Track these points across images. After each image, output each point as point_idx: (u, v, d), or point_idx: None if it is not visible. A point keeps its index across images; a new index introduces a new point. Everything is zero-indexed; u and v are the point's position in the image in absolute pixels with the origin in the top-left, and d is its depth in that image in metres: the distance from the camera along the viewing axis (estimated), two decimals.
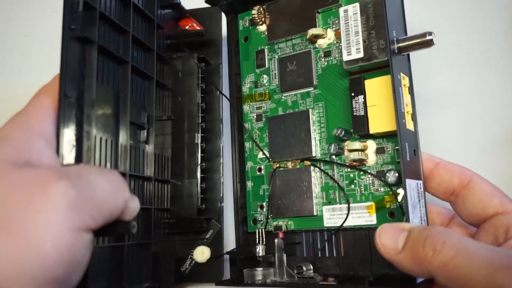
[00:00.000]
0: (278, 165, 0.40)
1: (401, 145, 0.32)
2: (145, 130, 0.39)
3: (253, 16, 0.42)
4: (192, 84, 0.43)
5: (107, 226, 0.26)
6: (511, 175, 0.37)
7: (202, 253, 0.40)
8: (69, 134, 0.29)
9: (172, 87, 0.44)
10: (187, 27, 0.45)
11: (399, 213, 0.35)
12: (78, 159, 0.30)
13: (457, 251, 0.25)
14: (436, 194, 0.35)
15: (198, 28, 0.44)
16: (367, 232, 0.37)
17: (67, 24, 0.29)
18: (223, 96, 0.44)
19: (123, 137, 0.36)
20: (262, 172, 0.42)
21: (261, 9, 0.42)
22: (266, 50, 0.43)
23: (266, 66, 0.43)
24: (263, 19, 0.43)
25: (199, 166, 0.42)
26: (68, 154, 0.29)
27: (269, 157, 0.41)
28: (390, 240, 0.29)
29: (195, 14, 0.45)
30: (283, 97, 0.41)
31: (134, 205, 0.28)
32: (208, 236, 0.41)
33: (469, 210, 0.33)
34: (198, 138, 0.42)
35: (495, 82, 0.42)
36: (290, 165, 0.40)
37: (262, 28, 0.43)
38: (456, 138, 0.42)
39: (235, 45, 0.46)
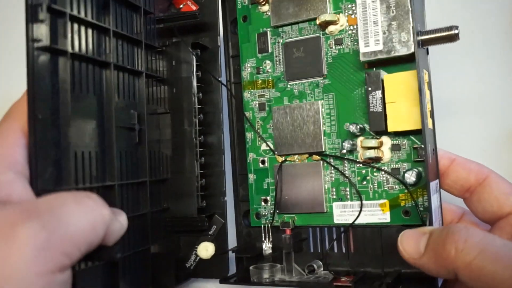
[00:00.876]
0: (284, 159, 0.39)
1: (426, 147, 0.31)
2: (136, 132, 0.36)
3: None
4: (187, 73, 0.40)
5: (89, 254, 0.25)
6: (511, 175, 0.37)
7: (206, 249, 0.39)
8: (44, 158, 0.27)
9: (167, 77, 0.41)
10: (181, 6, 0.41)
11: (414, 211, 0.35)
12: (57, 183, 0.28)
13: (481, 250, 0.25)
14: (451, 191, 0.35)
15: (193, 7, 0.41)
16: (379, 229, 0.36)
17: (30, 36, 0.26)
18: (223, 85, 0.41)
19: (110, 146, 0.33)
20: (266, 164, 0.40)
21: None
22: (269, 33, 0.40)
23: (269, 51, 0.40)
24: None
25: (198, 162, 0.39)
26: (45, 179, 0.27)
27: (274, 149, 0.39)
28: (412, 244, 0.29)
29: None
30: (288, 86, 0.39)
31: (118, 227, 0.27)
32: (211, 232, 0.40)
33: (484, 207, 0.33)
34: (195, 132, 0.40)
35: (495, 82, 0.42)
36: (296, 158, 0.39)
37: (265, 8, 0.40)
38: (456, 138, 0.42)
39: (231, 24, 0.43)
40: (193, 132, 0.40)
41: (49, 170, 0.27)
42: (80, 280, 0.28)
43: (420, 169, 0.34)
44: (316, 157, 0.38)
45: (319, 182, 0.38)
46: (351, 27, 0.37)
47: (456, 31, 0.32)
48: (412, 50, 0.33)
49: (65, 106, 0.29)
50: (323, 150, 0.37)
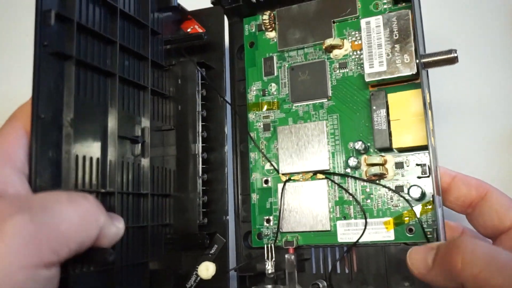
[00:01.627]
0: (288, 178, 0.40)
1: (432, 163, 0.32)
2: (139, 144, 0.37)
3: (264, 21, 0.42)
4: (192, 91, 0.42)
5: (81, 255, 0.25)
6: (511, 175, 0.38)
7: (206, 269, 0.39)
8: (45, 156, 0.28)
9: (173, 95, 0.42)
10: (189, 30, 0.44)
11: (418, 229, 0.35)
12: (56, 183, 0.29)
13: (487, 262, 0.26)
14: (453, 207, 0.36)
15: (200, 30, 0.43)
16: (383, 247, 0.37)
17: (38, 40, 0.28)
18: (227, 103, 0.42)
19: (112, 154, 0.34)
20: (269, 184, 0.41)
21: (272, 14, 0.42)
22: (275, 57, 0.42)
23: (275, 74, 0.42)
24: (273, 25, 0.42)
25: (200, 178, 0.40)
26: (44, 178, 0.27)
27: (278, 169, 0.40)
28: (420, 259, 0.30)
29: (198, 15, 0.44)
30: (293, 107, 0.41)
31: (113, 231, 0.28)
32: (212, 251, 0.40)
33: (485, 222, 0.34)
34: (198, 149, 0.41)
35: (495, 82, 0.43)
36: (301, 178, 0.40)
37: (271, 34, 0.43)
38: (456, 138, 0.43)
39: (238, 50, 0.45)
40: (196, 149, 0.41)
41: (49, 170, 0.28)
42: (74, 284, 0.28)
43: (424, 186, 0.35)
44: (320, 175, 0.39)
45: (323, 201, 0.38)
46: (355, 52, 0.39)
47: (455, 55, 0.35)
48: (415, 71, 0.35)
49: (69, 108, 0.30)
50: (328, 169, 0.39)
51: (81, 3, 0.32)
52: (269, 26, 0.42)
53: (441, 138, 0.43)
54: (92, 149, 0.32)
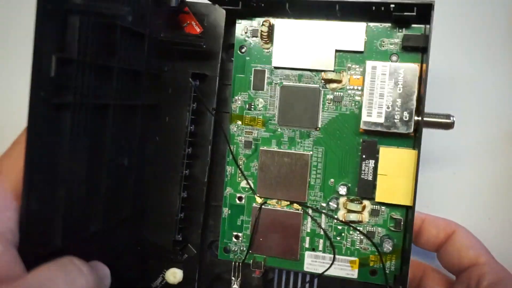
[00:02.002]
0: (263, 201, 0.40)
1: (409, 222, 0.34)
2: (125, 167, 0.35)
3: (262, 32, 0.39)
4: (182, 104, 0.40)
5: None
6: (511, 175, 0.41)
7: (174, 276, 0.40)
8: (35, 221, 0.26)
9: (161, 103, 0.40)
10: (184, 24, 0.39)
11: (380, 272, 0.38)
12: (47, 244, 0.27)
13: None
14: (424, 247, 0.39)
15: (197, 29, 0.39)
16: (345, 283, 0.39)
17: (35, 91, 0.24)
18: (214, 117, 0.41)
19: (98, 185, 0.32)
20: (243, 201, 0.41)
21: (270, 24, 0.39)
22: (267, 71, 0.40)
23: (264, 90, 0.40)
24: (270, 36, 0.39)
25: (180, 195, 0.39)
26: (34, 244, 0.26)
27: (256, 190, 0.40)
28: None
29: (195, 8, 0.40)
30: (279, 129, 0.40)
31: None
32: (182, 259, 0.40)
33: (448, 260, 0.37)
34: (182, 165, 0.40)
35: (495, 82, 0.45)
36: (276, 203, 0.40)
37: (267, 46, 0.40)
38: (456, 138, 0.44)
39: (227, 50, 0.42)
40: (179, 165, 0.39)
41: (39, 231, 0.26)
42: None
43: (395, 239, 0.37)
44: (296, 205, 0.40)
45: (296, 230, 0.39)
46: (352, 87, 0.38)
47: (452, 120, 0.35)
48: (411, 130, 0.35)
49: (62, 163, 0.27)
50: (305, 201, 0.39)
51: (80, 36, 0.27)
52: (266, 37, 0.39)
53: (440, 138, 0.44)
54: (80, 185, 0.30)
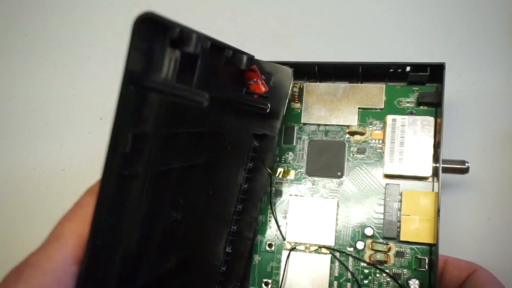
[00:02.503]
0: (293, 247, 0.43)
1: (435, 262, 0.36)
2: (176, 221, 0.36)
3: (293, 93, 0.44)
4: (240, 162, 0.41)
5: None
6: (511, 175, 0.41)
7: None
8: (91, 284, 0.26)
9: (216, 162, 0.40)
10: (251, 82, 0.40)
11: None
12: None
13: None
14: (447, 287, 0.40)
15: (262, 88, 0.41)
16: None
17: (109, 166, 0.25)
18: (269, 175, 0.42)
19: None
20: (273, 248, 0.43)
21: (301, 86, 0.45)
22: (296, 128, 0.45)
23: (293, 144, 0.45)
24: (300, 97, 0.45)
25: (224, 250, 0.41)
26: None
27: (285, 236, 0.43)
28: None
29: (262, 67, 0.41)
30: (308, 180, 0.44)
31: None
32: None
33: None
34: (231, 221, 0.41)
35: (495, 82, 0.46)
36: (305, 248, 0.42)
37: (296, 105, 0.45)
38: (456, 138, 0.45)
39: None
40: (229, 221, 0.41)
41: None
42: None
43: (421, 279, 0.39)
44: (324, 250, 0.42)
45: (325, 274, 0.41)
46: (374, 140, 0.43)
47: (467, 165, 0.39)
48: (430, 173, 0.39)
49: (123, 230, 0.28)
50: (333, 245, 0.42)
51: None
52: (296, 97, 0.45)
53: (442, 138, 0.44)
54: (132, 246, 0.30)
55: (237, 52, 0.36)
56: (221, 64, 0.35)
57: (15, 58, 0.57)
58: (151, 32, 0.25)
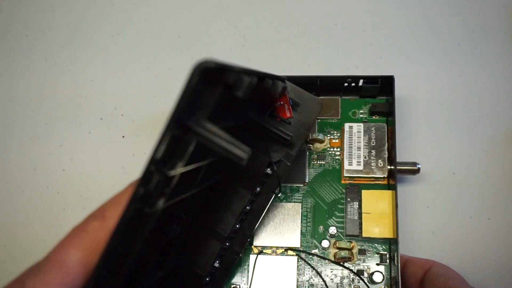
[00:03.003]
0: (260, 250, 0.44)
1: (398, 256, 0.40)
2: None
3: None
4: (249, 185, 0.40)
5: None
6: (511, 175, 0.42)
7: None
8: None
9: (227, 177, 0.40)
10: (277, 104, 0.39)
11: None
12: None
13: None
14: (408, 285, 0.42)
15: (287, 113, 0.39)
16: None
17: (134, 203, 0.24)
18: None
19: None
20: (240, 254, 0.45)
21: None
22: None
23: None
24: None
25: (212, 264, 0.41)
26: None
27: (252, 241, 0.44)
28: None
29: (292, 92, 0.40)
30: None
31: None
32: None
33: None
34: (226, 239, 0.41)
35: (495, 82, 0.47)
36: (271, 252, 0.44)
37: None
38: (456, 138, 0.47)
39: None
40: (223, 238, 0.40)
41: None
42: None
43: (384, 273, 0.42)
44: (291, 252, 0.44)
45: (292, 275, 0.43)
46: (332, 148, 0.46)
47: (418, 167, 0.44)
48: (386, 174, 0.43)
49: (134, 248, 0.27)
50: (299, 246, 0.44)
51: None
52: None
53: (441, 138, 0.47)
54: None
55: (274, 79, 0.34)
56: (258, 92, 0.34)
57: (15, 58, 0.57)
58: (207, 78, 0.23)
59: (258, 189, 0.40)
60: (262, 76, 0.32)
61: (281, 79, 0.35)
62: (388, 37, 0.53)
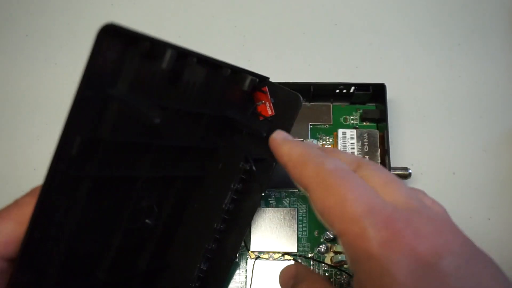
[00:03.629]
0: (257, 256, 0.45)
1: None
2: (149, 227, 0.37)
3: None
4: (229, 182, 0.39)
5: None
6: (511, 175, 0.43)
7: None
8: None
9: (208, 175, 0.40)
10: (259, 103, 0.38)
11: None
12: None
13: None
14: None
15: (269, 111, 0.38)
16: None
17: (54, 167, 0.25)
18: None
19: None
20: (237, 259, 0.46)
21: None
22: None
23: None
24: None
25: (198, 266, 0.40)
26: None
27: (249, 246, 0.45)
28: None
29: (273, 91, 0.38)
30: (266, 191, 0.47)
31: None
32: None
33: None
34: (211, 239, 0.40)
35: (495, 82, 0.48)
36: (269, 257, 0.45)
37: None
38: (456, 138, 0.47)
39: None
40: (207, 238, 0.40)
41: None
42: None
43: None
44: (287, 256, 0.45)
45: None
46: None
47: (410, 172, 0.45)
48: None
49: (72, 220, 0.28)
50: (296, 251, 0.45)
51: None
52: None
53: (441, 138, 0.47)
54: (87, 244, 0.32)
55: (240, 72, 0.35)
56: (219, 82, 0.34)
57: (15, 58, 0.57)
58: (117, 42, 0.25)
59: (238, 186, 0.39)
60: (215, 64, 0.32)
61: (263, 78, 0.36)
62: (388, 37, 0.54)
